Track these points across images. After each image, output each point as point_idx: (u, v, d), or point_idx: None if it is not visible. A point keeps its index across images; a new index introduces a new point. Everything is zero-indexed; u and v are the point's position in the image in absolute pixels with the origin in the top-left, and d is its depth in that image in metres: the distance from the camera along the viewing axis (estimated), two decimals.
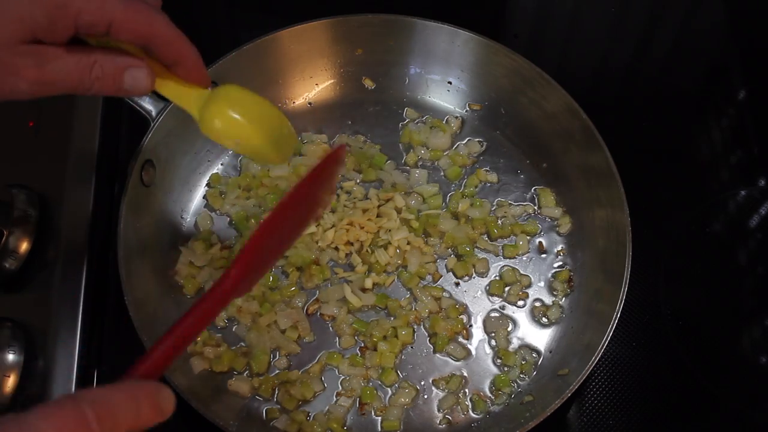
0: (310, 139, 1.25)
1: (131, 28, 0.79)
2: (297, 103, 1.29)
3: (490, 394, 1.07)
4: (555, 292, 1.14)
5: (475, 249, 1.17)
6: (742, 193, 1.27)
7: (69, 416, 0.59)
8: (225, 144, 0.90)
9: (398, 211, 1.19)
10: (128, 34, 0.79)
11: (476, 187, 1.22)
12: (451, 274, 1.16)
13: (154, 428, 0.66)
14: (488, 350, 1.10)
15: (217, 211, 1.20)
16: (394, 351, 1.09)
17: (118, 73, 0.82)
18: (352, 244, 1.16)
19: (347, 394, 1.07)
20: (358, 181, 1.22)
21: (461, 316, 1.12)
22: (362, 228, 1.16)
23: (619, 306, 1.01)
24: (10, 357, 1.03)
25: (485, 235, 1.18)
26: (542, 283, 1.15)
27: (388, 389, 1.08)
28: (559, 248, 1.17)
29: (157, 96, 1.10)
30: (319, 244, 1.16)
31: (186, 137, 1.19)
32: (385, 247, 1.16)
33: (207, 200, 1.21)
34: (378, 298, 1.13)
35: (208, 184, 1.22)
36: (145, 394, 0.65)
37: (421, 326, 1.12)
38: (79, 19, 0.76)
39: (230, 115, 0.87)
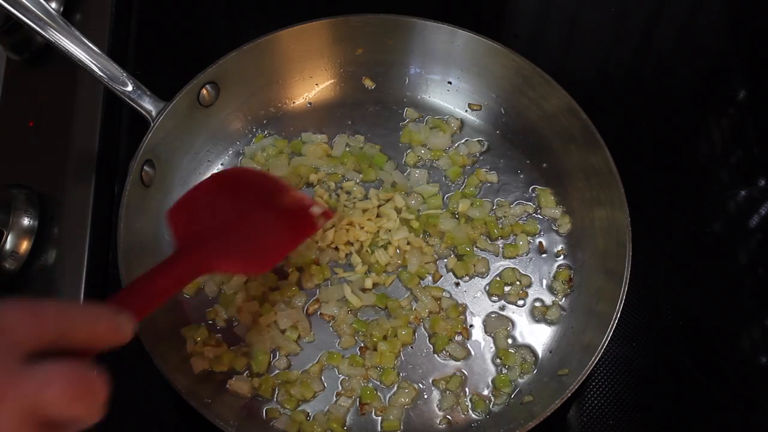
0: (310, 139, 1.25)
1: None
2: (297, 103, 1.29)
3: (490, 394, 1.07)
4: (555, 292, 1.14)
5: (475, 249, 1.17)
6: (742, 193, 1.27)
7: (26, 308, 0.61)
8: None
9: (398, 211, 1.19)
10: None
11: (476, 187, 1.21)
12: (451, 274, 1.16)
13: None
14: (488, 350, 1.10)
15: None
16: (394, 351, 1.09)
17: None
18: (352, 244, 1.16)
19: (347, 394, 1.07)
20: (358, 181, 1.22)
21: (461, 316, 1.12)
22: (362, 228, 1.16)
23: (619, 306, 1.01)
24: None
25: (485, 235, 1.18)
26: (542, 283, 1.15)
27: (388, 389, 1.08)
28: (559, 248, 1.17)
29: (158, 96, 1.11)
30: (319, 244, 1.16)
31: (186, 137, 1.19)
32: (385, 247, 1.16)
33: None
34: (378, 298, 1.13)
35: None
36: (102, 311, 0.68)
37: (421, 326, 1.12)
38: None
39: None
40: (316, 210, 1.05)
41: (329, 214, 1.09)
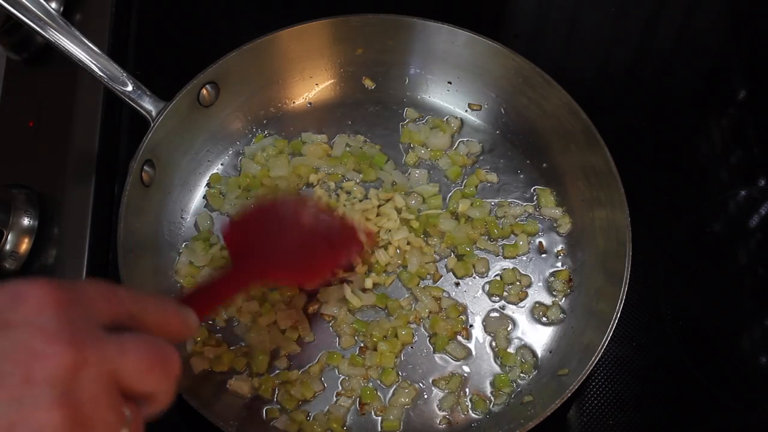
0: (310, 139, 1.25)
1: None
2: (297, 103, 1.29)
3: (490, 394, 1.07)
4: (555, 292, 1.14)
5: (475, 249, 1.17)
6: (742, 193, 1.27)
7: (103, 284, 0.63)
8: None
9: (398, 211, 1.19)
10: None
11: (476, 187, 1.21)
12: (451, 274, 1.16)
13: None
14: (488, 350, 1.10)
15: (217, 211, 1.20)
16: (394, 351, 1.09)
17: None
18: None
19: (347, 394, 1.07)
20: (358, 181, 1.22)
21: (461, 316, 1.12)
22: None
23: (619, 306, 1.01)
24: None
25: (485, 235, 1.18)
26: (542, 283, 1.15)
27: (388, 389, 1.08)
28: (559, 248, 1.17)
29: (158, 96, 1.11)
30: None
31: (186, 137, 1.19)
32: (385, 247, 1.16)
33: (207, 200, 1.21)
34: (378, 298, 1.13)
35: (208, 184, 1.22)
36: (171, 303, 0.72)
37: (421, 326, 1.12)
38: None
39: None
40: (359, 230, 1.12)
41: (370, 234, 1.14)
